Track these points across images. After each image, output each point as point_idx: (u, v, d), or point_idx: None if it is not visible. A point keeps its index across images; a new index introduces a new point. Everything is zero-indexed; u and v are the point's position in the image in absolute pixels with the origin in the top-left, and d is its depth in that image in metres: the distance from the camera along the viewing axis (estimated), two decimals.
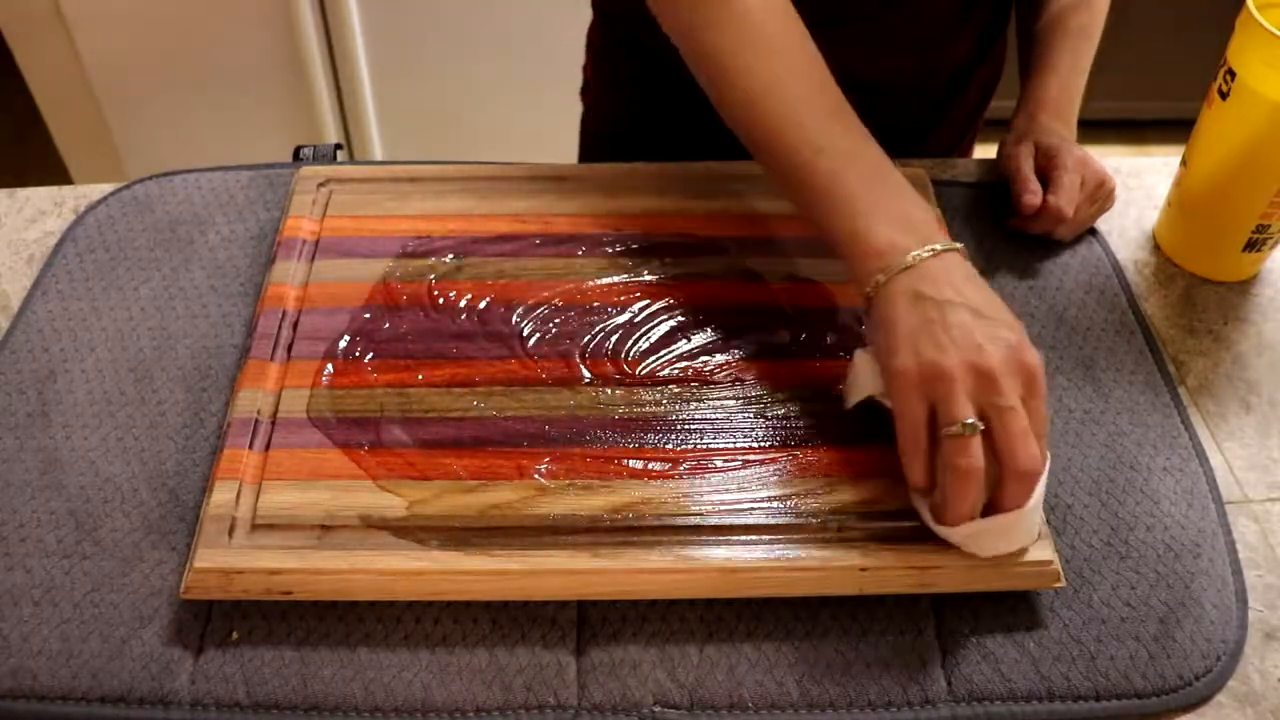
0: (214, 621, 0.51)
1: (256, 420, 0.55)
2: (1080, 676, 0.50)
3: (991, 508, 0.49)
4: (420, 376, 0.58)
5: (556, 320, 0.61)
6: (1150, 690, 0.50)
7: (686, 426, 0.56)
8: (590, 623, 0.51)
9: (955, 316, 0.49)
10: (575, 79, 0.94)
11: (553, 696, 0.49)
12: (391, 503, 0.52)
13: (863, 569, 0.50)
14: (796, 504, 0.53)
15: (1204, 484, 0.58)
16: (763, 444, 0.55)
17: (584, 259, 0.65)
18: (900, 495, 0.53)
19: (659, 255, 0.65)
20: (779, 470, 0.54)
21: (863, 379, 0.55)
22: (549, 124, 1.34)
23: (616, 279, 0.64)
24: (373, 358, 0.59)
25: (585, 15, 0.89)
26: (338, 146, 0.75)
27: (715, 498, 0.53)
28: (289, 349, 0.59)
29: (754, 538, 0.51)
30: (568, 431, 0.56)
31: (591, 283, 0.64)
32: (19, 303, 0.65)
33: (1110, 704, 0.49)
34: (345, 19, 1.42)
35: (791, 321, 0.62)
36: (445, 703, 0.49)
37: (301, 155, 0.74)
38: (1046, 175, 0.70)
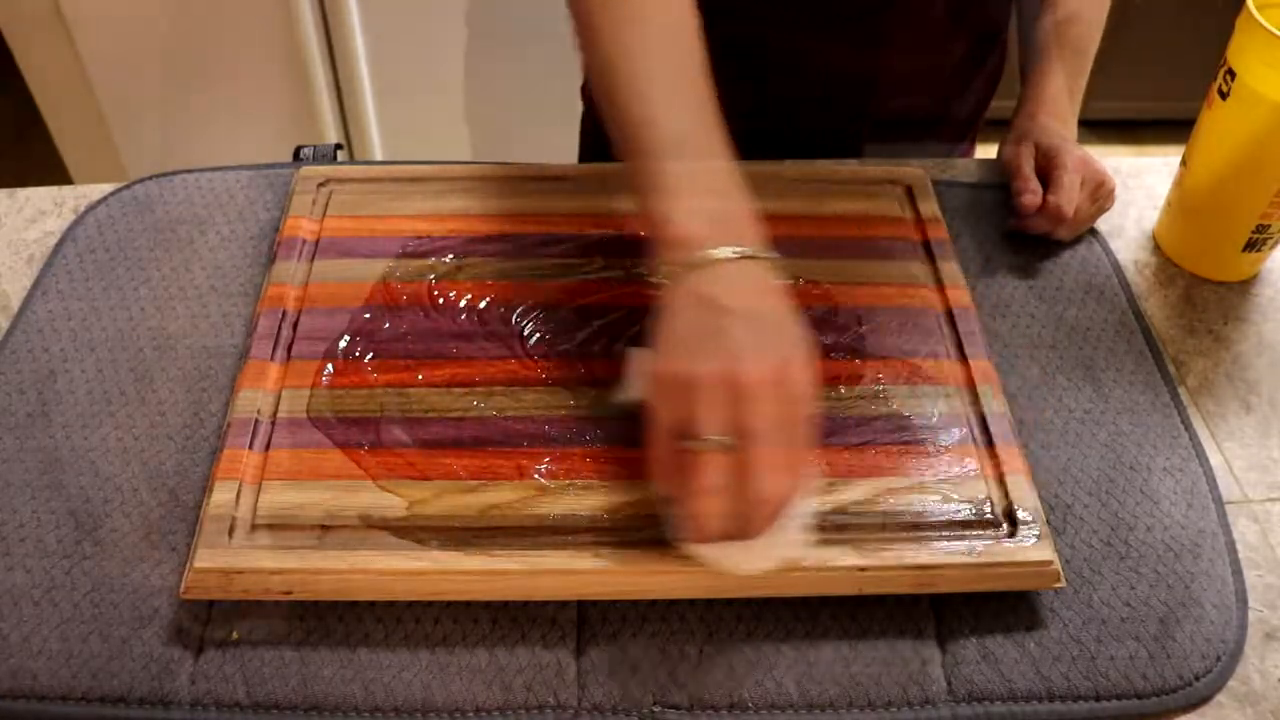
0: (214, 621, 0.51)
1: (256, 420, 0.55)
2: (1080, 677, 0.50)
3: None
4: (420, 376, 0.58)
5: (556, 320, 0.61)
6: (1150, 690, 0.50)
7: None
8: (590, 623, 0.51)
9: (731, 327, 0.46)
10: (575, 78, 0.94)
11: (552, 696, 0.49)
12: (391, 503, 0.52)
13: (862, 569, 0.50)
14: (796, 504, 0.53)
15: (1204, 484, 0.58)
16: None
17: (584, 259, 0.65)
18: (900, 495, 0.53)
19: None
20: None
21: (636, 377, 0.52)
22: (549, 124, 1.33)
23: (616, 279, 0.64)
24: (373, 358, 0.59)
25: None
26: (338, 146, 0.75)
27: None
28: (289, 349, 0.59)
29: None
30: (568, 431, 0.56)
31: (591, 282, 0.64)
32: (19, 303, 0.65)
33: (1110, 704, 0.49)
34: (345, 19, 1.42)
35: None
36: (445, 703, 0.49)
37: (301, 155, 0.74)
38: (1046, 175, 0.70)
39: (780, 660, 0.50)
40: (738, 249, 0.48)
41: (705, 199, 0.50)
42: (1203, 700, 0.50)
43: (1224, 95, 0.65)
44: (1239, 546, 0.56)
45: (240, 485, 0.52)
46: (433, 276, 0.64)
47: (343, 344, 0.60)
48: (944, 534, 0.52)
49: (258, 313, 0.61)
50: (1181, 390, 0.64)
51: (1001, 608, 0.52)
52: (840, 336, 0.61)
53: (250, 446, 0.54)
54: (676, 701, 0.49)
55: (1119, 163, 0.78)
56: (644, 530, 0.51)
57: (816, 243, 0.66)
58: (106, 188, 0.73)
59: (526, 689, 0.49)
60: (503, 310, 0.62)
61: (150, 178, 0.73)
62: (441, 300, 0.62)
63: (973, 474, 0.54)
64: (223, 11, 1.40)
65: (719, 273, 0.48)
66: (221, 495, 0.52)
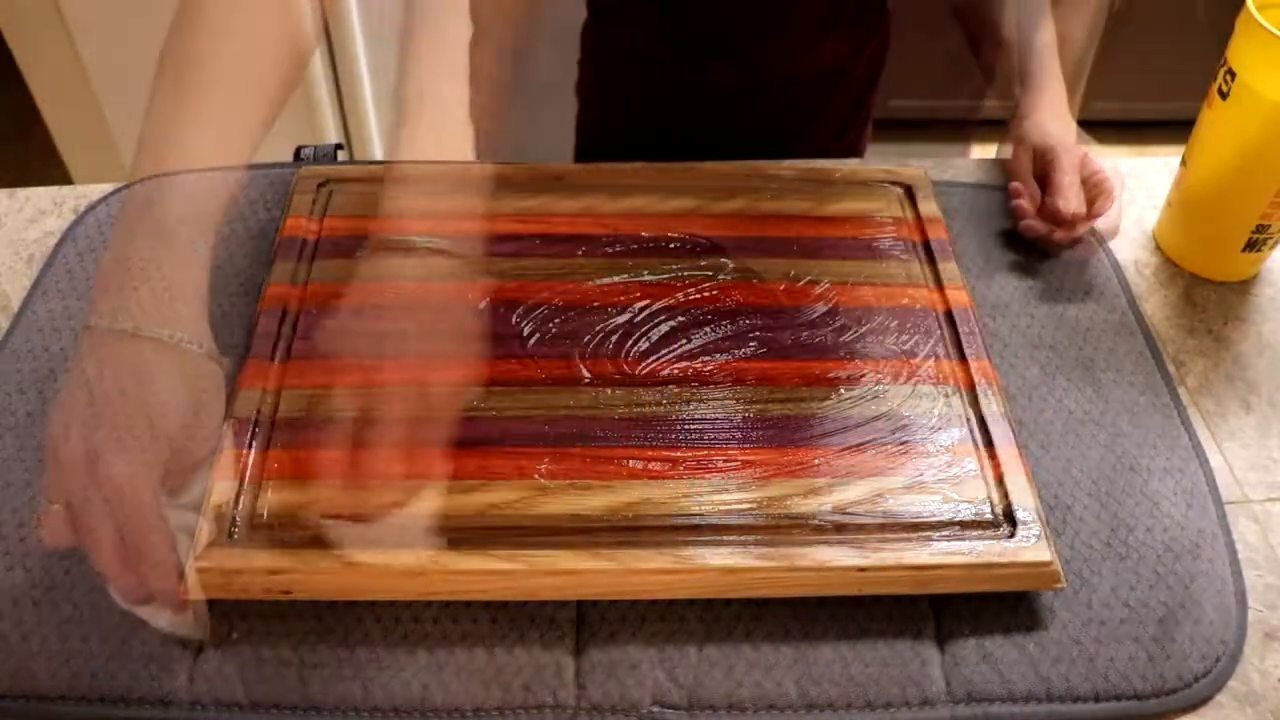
0: (214, 621, 0.51)
1: (256, 420, 0.55)
2: (1080, 677, 0.50)
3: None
4: None
5: (556, 320, 0.61)
6: (1150, 691, 0.50)
7: (686, 426, 0.56)
8: (589, 623, 0.51)
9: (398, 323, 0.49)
10: (571, 76, 0.94)
11: (551, 697, 0.49)
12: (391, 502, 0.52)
13: (862, 569, 0.50)
14: (796, 504, 0.53)
15: (1204, 484, 0.58)
16: (762, 444, 0.55)
17: (584, 259, 0.65)
18: (899, 496, 0.53)
19: (659, 255, 0.65)
20: (778, 470, 0.54)
21: None
22: (548, 123, 1.33)
23: (616, 279, 0.64)
24: None
25: (582, 13, 0.90)
26: (338, 146, 0.75)
27: (715, 498, 0.53)
28: (289, 349, 0.59)
29: (753, 538, 0.51)
30: (568, 431, 0.56)
31: (591, 283, 0.64)
32: (19, 303, 0.65)
33: (1110, 705, 0.49)
34: (345, 19, 1.42)
35: (791, 321, 0.62)
36: (444, 703, 0.49)
37: (301, 155, 0.73)
38: (1045, 178, 0.70)
39: (779, 660, 0.50)
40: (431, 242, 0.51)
41: (138, 229, 0.52)
42: (1203, 701, 0.50)
43: (1224, 95, 0.65)
44: (1239, 547, 0.55)
45: (240, 485, 0.52)
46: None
47: None
48: (943, 534, 0.52)
49: (258, 313, 0.61)
50: (1181, 390, 0.63)
51: (1001, 608, 0.52)
52: (840, 336, 0.61)
53: (250, 446, 0.54)
54: (675, 702, 0.49)
55: (1119, 163, 0.78)
56: (644, 530, 0.51)
57: (816, 243, 0.67)
58: (106, 188, 0.73)
59: (525, 689, 0.49)
60: (503, 310, 0.62)
61: (150, 178, 0.73)
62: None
63: (972, 474, 0.54)
64: None
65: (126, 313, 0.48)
66: (221, 495, 0.52)
